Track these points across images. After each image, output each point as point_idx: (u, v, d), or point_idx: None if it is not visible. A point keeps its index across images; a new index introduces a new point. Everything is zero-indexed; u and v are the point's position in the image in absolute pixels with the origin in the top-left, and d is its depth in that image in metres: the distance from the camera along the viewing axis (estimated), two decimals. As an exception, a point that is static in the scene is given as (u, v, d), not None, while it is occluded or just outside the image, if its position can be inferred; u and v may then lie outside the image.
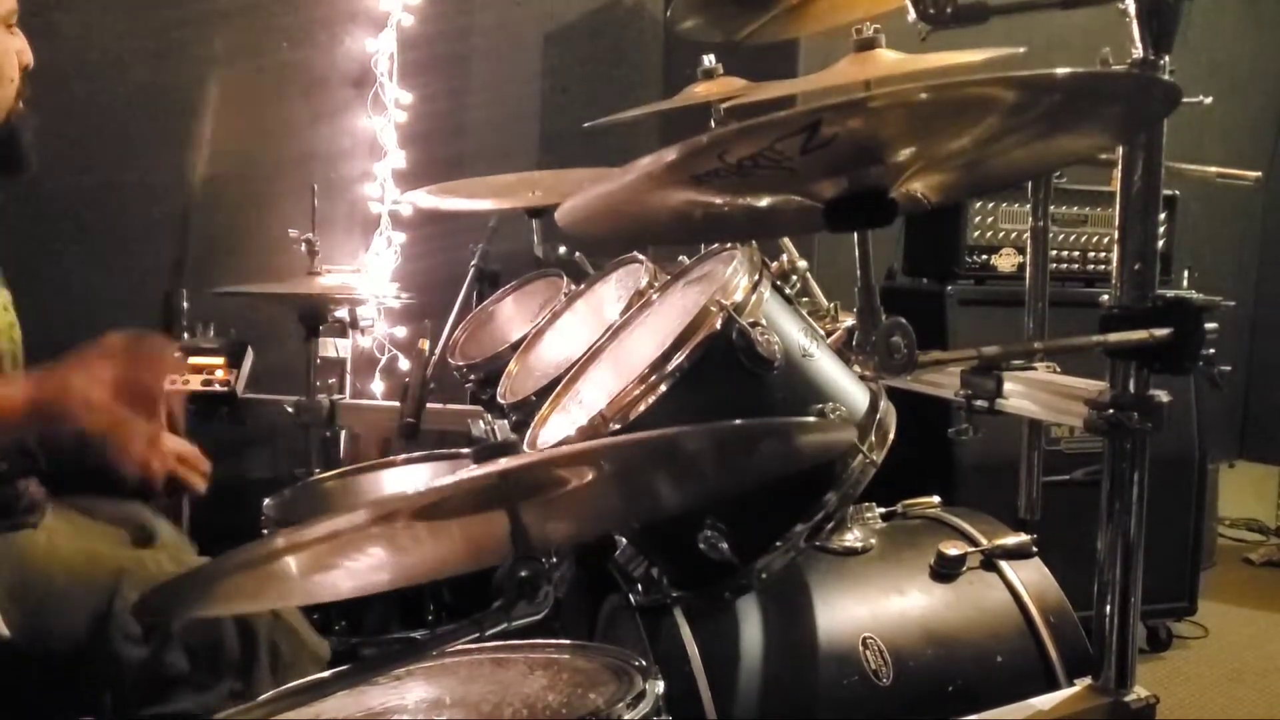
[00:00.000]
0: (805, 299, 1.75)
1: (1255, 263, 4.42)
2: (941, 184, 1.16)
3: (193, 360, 2.61)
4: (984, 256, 2.85)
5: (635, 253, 1.85)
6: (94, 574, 1.47)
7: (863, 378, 1.37)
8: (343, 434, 2.60)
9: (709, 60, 2.21)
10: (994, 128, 0.98)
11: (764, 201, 1.16)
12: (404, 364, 3.11)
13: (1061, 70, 0.88)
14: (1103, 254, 2.90)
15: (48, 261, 2.73)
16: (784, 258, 1.76)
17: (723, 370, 1.26)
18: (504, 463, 0.91)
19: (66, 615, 1.43)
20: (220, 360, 2.63)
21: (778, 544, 1.28)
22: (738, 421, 0.92)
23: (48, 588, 1.44)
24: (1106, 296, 1.29)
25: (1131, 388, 1.26)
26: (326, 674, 0.98)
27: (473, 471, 0.89)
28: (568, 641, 1.17)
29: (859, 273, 1.15)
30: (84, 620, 1.42)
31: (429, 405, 2.13)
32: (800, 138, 0.91)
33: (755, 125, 0.90)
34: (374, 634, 1.59)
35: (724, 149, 0.94)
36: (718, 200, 1.13)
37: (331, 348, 2.78)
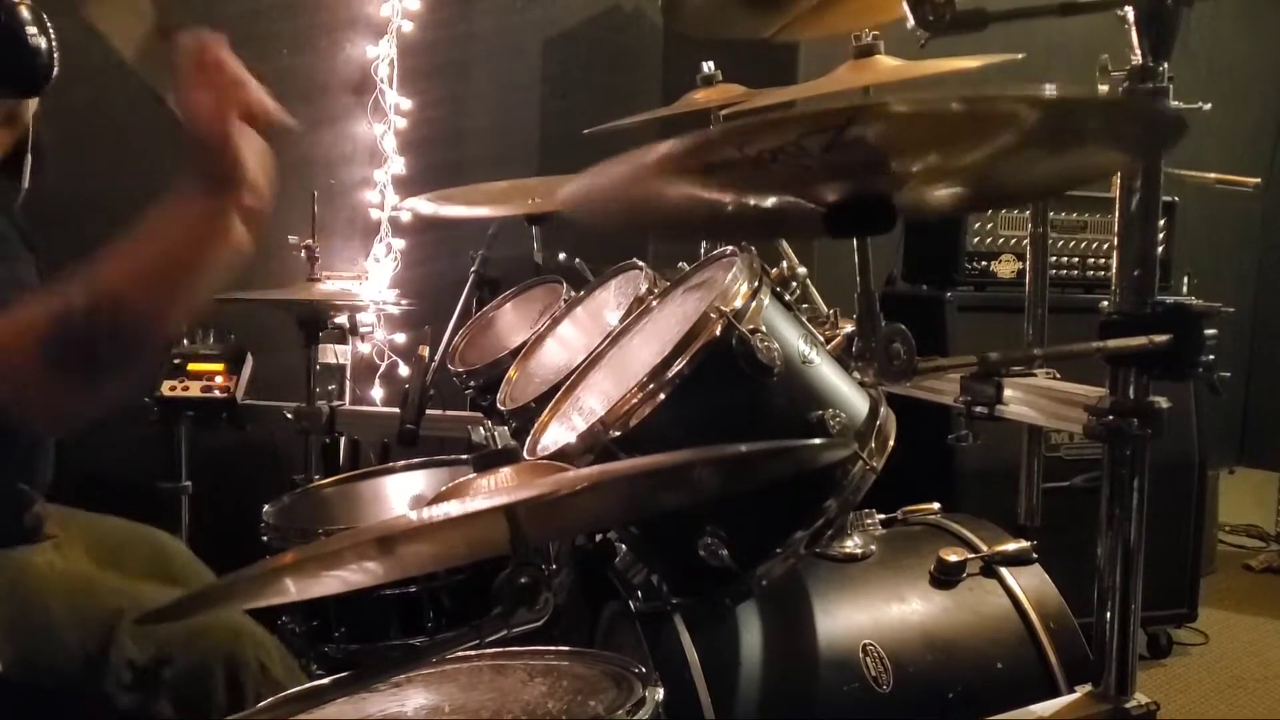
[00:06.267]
0: (805, 305, 1.75)
1: (1254, 268, 4.42)
2: (943, 194, 1.16)
3: (192, 366, 2.61)
4: (984, 263, 2.85)
5: (635, 259, 1.85)
6: (91, 610, 1.45)
7: (863, 384, 1.37)
8: (342, 440, 2.60)
9: (708, 67, 2.21)
10: (1011, 143, 0.97)
11: (767, 203, 1.16)
12: (404, 370, 3.11)
13: (1100, 92, 0.87)
14: (1102, 260, 2.90)
15: (46, 266, 2.72)
16: (784, 264, 1.77)
17: (723, 377, 1.25)
18: (513, 495, 0.91)
19: (60, 653, 1.41)
20: (219, 366, 2.63)
21: (778, 551, 1.28)
22: (743, 448, 0.92)
23: (44, 618, 1.42)
24: (1106, 302, 1.29)
25: (1131, 394, 1.26)
26: (325, 680, 0.98)
27: (479, 503, 0.89)
28: (567, 648, 1.17)
29: (859, 279, 1.15)
30: (78, 661, 1.41)
31: (429, 412, 2.12)
32: (827, 135, 0.90)
33: (783, 119, 0.88)
34: (373, 641, 1.58)
35: (746, 140, 0.91)
36: (721, 197, 1.13)
37: (331, 354, 2.77)
